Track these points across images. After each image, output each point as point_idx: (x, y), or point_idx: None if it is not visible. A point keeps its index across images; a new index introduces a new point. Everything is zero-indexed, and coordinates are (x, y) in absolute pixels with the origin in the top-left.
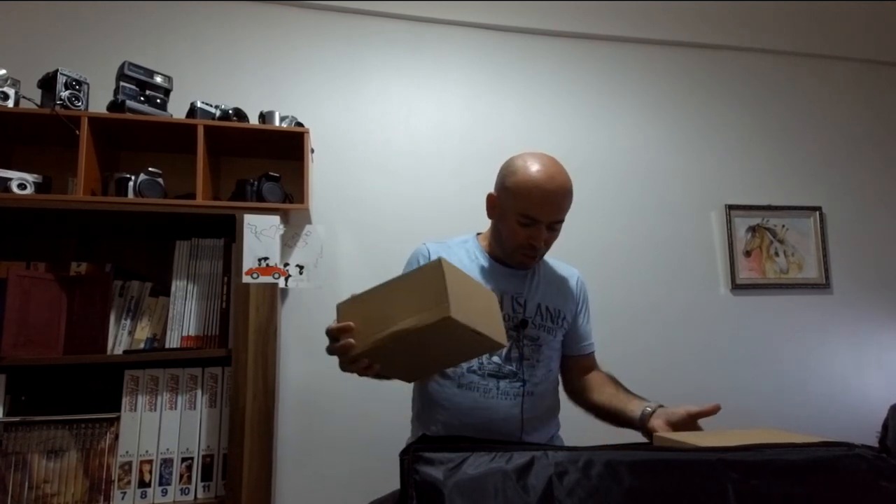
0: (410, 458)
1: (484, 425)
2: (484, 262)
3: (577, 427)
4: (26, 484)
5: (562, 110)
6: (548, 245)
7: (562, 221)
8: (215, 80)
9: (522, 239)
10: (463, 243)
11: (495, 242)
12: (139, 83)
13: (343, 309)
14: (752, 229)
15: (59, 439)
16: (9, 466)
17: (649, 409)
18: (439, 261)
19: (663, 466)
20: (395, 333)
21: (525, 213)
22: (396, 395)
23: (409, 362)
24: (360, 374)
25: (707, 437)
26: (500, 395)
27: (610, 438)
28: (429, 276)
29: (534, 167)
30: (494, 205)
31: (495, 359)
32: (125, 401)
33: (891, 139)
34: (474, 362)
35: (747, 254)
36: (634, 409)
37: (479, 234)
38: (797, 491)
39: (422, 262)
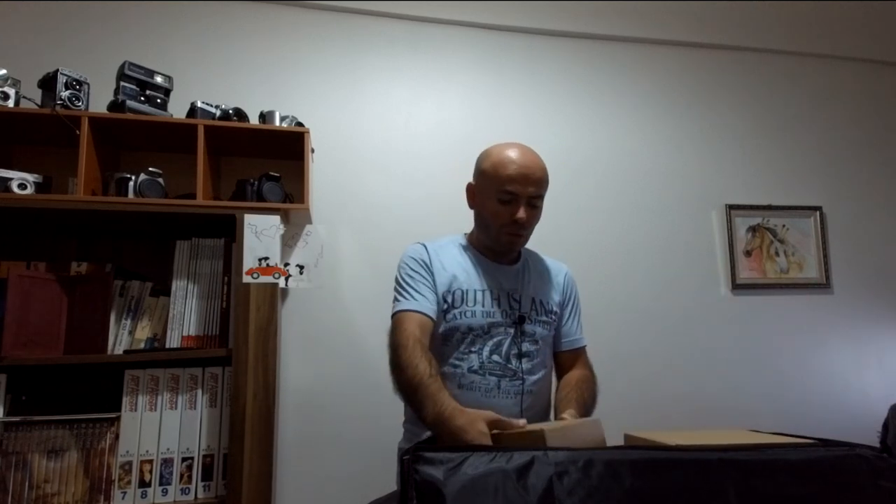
0: (411, 457)
1: None
2: (477, 258)
3: None
4: (27, 484)
5: (562, 110)
6: (530, 224)
7: (541, 198)
8: (215, 80)
9: (505, 217)
10: (454, 241)
11: (480, 232)
12: (139, 83)
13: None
14: (753, 229)
15: (60, 439)
16: (9, 466)
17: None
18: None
19: (664, 466)
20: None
21: (504, 188)
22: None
23: None
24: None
25: (675, 436)
26: (501, 393)
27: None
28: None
29: (507, 149)
30: (474, 192)
31: (496, 357)
32: (125, 401)
33: (891, 139)
34: (475, 361)
35: (748, 254)
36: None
37: (465, 233)
38: (798, 491)
39: (423, 263)
